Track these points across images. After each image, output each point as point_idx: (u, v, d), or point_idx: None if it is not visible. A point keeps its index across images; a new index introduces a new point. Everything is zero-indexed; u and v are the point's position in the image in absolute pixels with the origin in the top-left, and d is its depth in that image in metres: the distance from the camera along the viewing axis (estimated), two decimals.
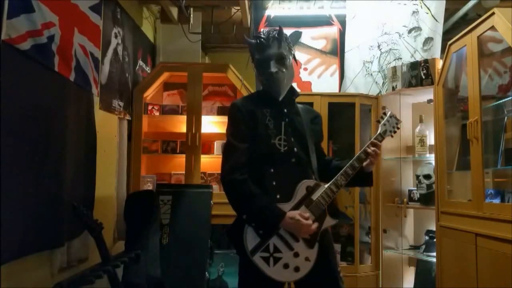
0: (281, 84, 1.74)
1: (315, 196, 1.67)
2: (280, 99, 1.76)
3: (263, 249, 1.59)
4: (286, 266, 1.59)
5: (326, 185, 1.69)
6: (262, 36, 1.75)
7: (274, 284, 1.61)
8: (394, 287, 3.47)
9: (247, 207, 1.62)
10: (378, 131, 1.80)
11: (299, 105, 1.86)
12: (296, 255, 1.61)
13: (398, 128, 1.84)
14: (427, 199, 3.22)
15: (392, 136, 1.85)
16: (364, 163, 1.72)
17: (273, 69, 1.71)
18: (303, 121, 1.79)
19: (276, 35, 1.75)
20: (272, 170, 1.67)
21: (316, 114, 1.91)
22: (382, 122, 1.82)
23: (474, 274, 2.40)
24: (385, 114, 1.85)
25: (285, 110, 1.77)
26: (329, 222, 1.69)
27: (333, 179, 1.69)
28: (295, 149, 1.71)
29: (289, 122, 1.75)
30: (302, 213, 1.62)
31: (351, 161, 1.71)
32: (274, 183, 1.66)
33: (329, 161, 1.87)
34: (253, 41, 1.77)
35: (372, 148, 1.72)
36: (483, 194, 2.40)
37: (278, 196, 1.65)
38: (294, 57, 1.85)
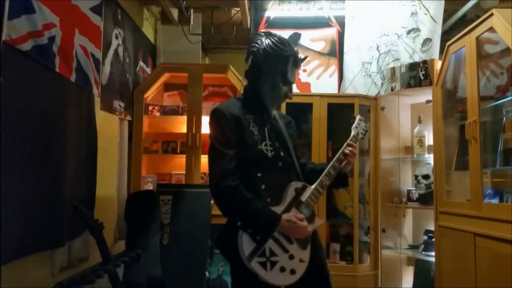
0: (279, 104, 1.85)
1: (303, 197, 1.70)
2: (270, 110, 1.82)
3: (260, 254, 1.57)
4: (282, 269, 1.59)
5: (313, 186, 1.73)
6: (301, 57, 1.81)
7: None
8: (393, 286, 3.48)
9: (242, 213, 1.60)
10: (352, 134, 1.91)
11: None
12: (291, 257, 1.62)
13: (367, 131, 1.97)
14: (426, 199, 3.23)
15: (362, 138, 1.98)
16: (343, 164, 1.80)
17: (290, 94, 1.79)
18: (280, 125, 1.84)
19: (302, 61, 1.83)
20: (259, 175, 1.67)
21: (289, 119, 1.96)
22: (354, 125, 1.93)
23: (473, 274, 2.41)
24: (354, 118, 1.96)
25: (265, 116, 1.80)
26: (318, 222, 1.73)
27: (318, 180, 1.74)
28: (281, 153, 1.73)
29: (270, 127, 1.77)
30: (296, 214, 1.64)
31: (331, 162, 1.79)
32: (263, 187, 1.66)
33: (304, 164, 1.92)
34: (292, 52, 1.76)
35: (349, 149, 1.81)
36: (482, 194, 2.41)
37: (268, 200, 1.65)
38: None
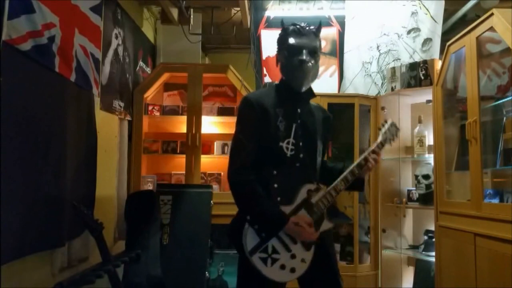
0: (306, 76, 1.70)
1: (314, 200, 1.68)
2: (302, 90, 1.73)
3: (262, 250, 1.59)
4: (282, 267, 1.60)
5: (327, 189, 1.71)
6: (300, 25, 1.76)
7: (274, 283, 1.61)
8: (393, 287, 3.47)
9: (253, 209, 1.61)
10: (379, 139, 1.82)
11: (311, 104, 1.85)
12: (293, 256, 1.62)
13: (397, 137, 1.88)
14: (426, 199, 3.23)
15: (391, 144, 1.88)
16: (362, 170, 1.74)
17: (306, 57, 1.68)
18: (316, 121, 1.78)
19: (314, 29, 1.78)
20: (275, 172, 1.66)
21: (328, 114, 1.89)
22: (383, 130, 1.84)
23: (473, 274, 2.41)
24: (386, 122, 1.87)
25: (299, 110, 1.74)
26: (326, 225, 1.71)
27: (333, 184, 1.70)
28: (301, 155, 1.69)
29: (300, 123, 1.72)
30: (304, 217, 1.64)
31: (351, 167, 1.73)
32: (276, 186, 1.65)
33: (324, 163, 1.88)
34: (290, 26, 1.76)
35: (373, 156, 1.75)
36: (482, 194, 2.41)
37: (278, 199, 1.65)
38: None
